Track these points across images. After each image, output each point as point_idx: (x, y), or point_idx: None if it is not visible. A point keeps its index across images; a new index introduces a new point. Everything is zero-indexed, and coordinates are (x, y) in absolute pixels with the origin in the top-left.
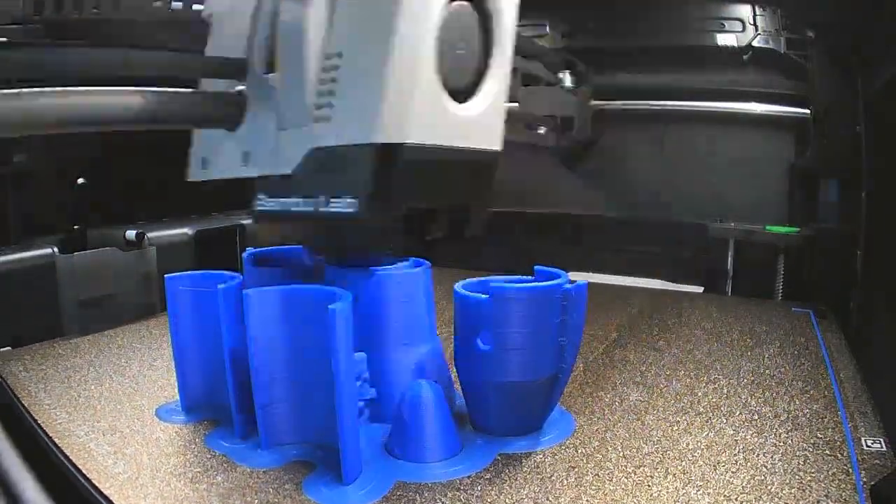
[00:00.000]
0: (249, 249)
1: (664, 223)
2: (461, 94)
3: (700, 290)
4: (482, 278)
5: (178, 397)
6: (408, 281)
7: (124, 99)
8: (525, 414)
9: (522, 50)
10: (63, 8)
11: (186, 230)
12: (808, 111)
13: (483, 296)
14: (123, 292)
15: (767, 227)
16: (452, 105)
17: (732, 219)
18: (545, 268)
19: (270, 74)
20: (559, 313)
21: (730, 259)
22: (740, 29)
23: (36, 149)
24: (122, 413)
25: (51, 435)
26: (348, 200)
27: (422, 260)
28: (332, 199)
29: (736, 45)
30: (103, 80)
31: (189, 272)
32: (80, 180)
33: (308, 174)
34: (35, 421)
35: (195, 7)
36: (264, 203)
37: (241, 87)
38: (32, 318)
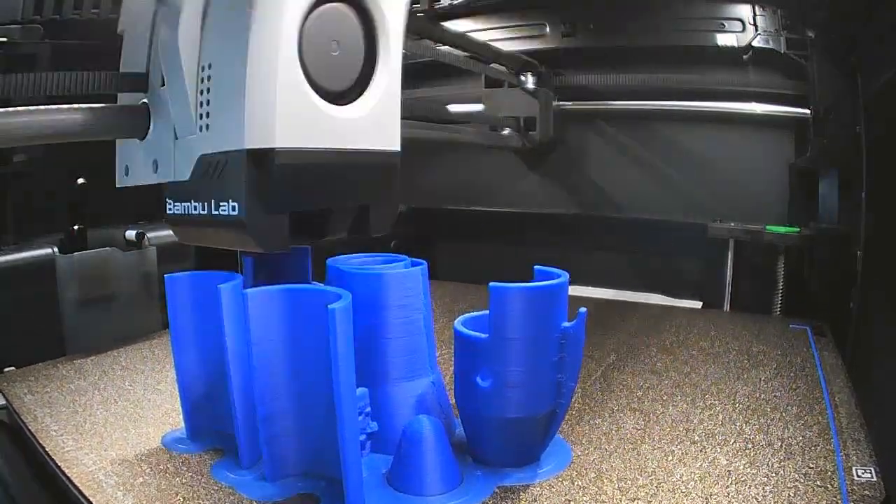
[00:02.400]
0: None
1: (664, 223)
2: (343, 96)
3: (699, 304)
4: (481, 313)
5: (182, 423)
6: (405, 281)
7: (49, 117)
8: (523, 447)
9: (483, 53)
10: (63, 8)
11: None
12: (808, 111)
13: (482, 335)
14: (123, 292)
15: (767, 228)
16: (330, 108)
17: (732, 219)
18: (545, 268)
19: (162, 87)
20: (557, 352)
21: (729, 261)
22: (740, 29)
23: (36, 149)
24: (129, 441)
25: (60, 464)
26: (231, 204)
27: (419, 260)
28: (220, 203)
29: (736, 45)
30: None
31: (189, 272)
32: (80, 180)
33: (199, 180)
34: (43, 449)
35: None
36: (171, 208)
37: (144, 100)
38: (33, 318)
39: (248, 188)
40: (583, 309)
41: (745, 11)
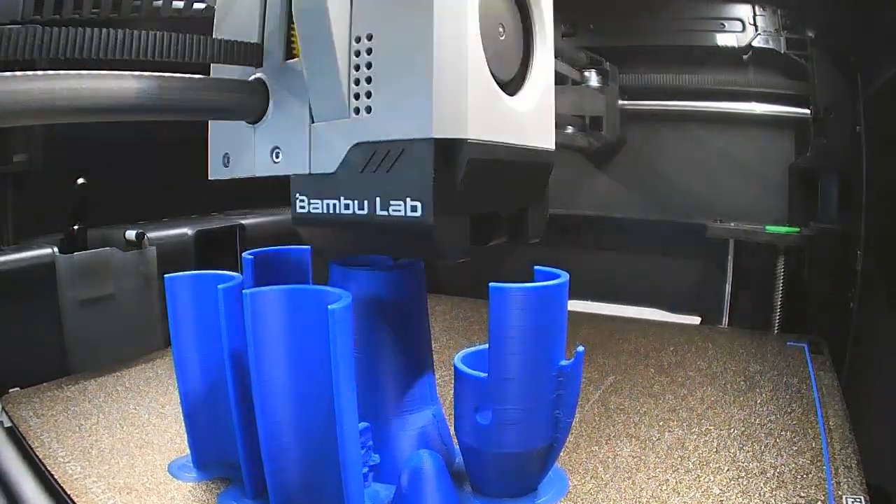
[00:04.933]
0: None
1: (664, 223)
2: (509, 86)
3: (697, 320)
4: (480, 348)
5: (188, 450)
6: (403, 280)
7: (128, 84)
8: (521, 479)
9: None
10: (63, 8)
11: (186, 230)
12: (808, 111)
13: (481, 374)
14: (123, 292)
15: (767, 228)
16: (505, 98)
17: (732, 219)
18: (545, 268)
19: (291, 60)
20: (555, 389)
21: (729, 261)
22: (740, 29)
23: (36, 149)
24: (136, 468)
25: (69, 493)
26: (411, 203)
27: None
28: (391, 202)
29: (736, 45)
30: (100, 66)
31: (189, 272)
32: (80, 180)
33: (354, 173)
34: (52, 476)
35: (196, 6)
36: (305, 205)
37: (258, 76)
38: (33, 318)
39: (435, 185)
40: (581, 348)
41: (745, 11)
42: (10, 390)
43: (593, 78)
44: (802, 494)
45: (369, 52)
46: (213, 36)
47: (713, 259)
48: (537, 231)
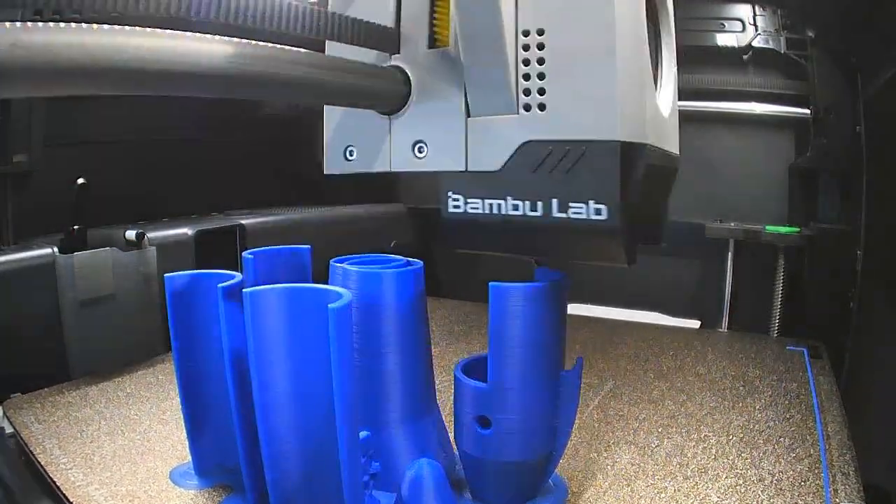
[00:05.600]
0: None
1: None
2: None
3: (697, 323)
4: (481, 355)
5: (189, 457)
6: (403, 281)
7: (248, 51)
8: (521, 486)
9: None
10: (63, 8)
11: (186, 230)
12: (808, 111)
13: (482, 383)
14: (123, 292)
15: (767, 228)
16: (657, 102)
17: (732, 219)
18: (545, 268)
19: (436, 49)
20: (554, 399)
21: (729, 261)
22: (740, 29)
23: (36, 149)
24: (137, 475)
25: (72, 501)
26: (595, 206)
27: (416, 261)
28: (572, 204)
29: (736, 45)
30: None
31: (189, 272)
32: (80, 180)
33: (525, 172)
34: (55, 483)
35: None
36: (461, 205)
37: (394, 63)
38: (33, 319)
39: (621, 188)
40: (579, 358)
41: (745, 11)
42: (11, 395)
43: None
44: (800, 502)
45: (540, 46)
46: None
47: (713, 259)
48: (662, 234)
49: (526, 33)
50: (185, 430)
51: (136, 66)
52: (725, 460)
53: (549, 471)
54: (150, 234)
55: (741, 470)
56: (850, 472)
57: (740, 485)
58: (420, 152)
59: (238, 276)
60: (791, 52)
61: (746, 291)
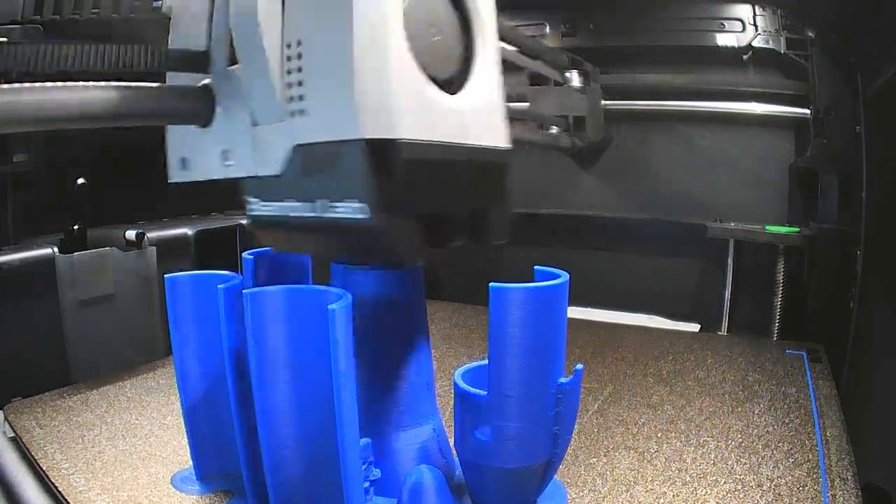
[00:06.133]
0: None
1: (663, 223)
2: (449, 85)
3: (696, 327)
4: (480, 363)
5: (190, 462)
6: (401, 282)
7: (85, 94)
8: (521, 492)
9: (527, 49)
10: (63, 8)
11: (186, 230)
12: (808, 111)
13: (481, 392)
14: (123, 292)
15: (767, 228)
16: (442, 96)
17: (732, 219)
18: (545, 268)
19: (233, 66)
20: (554, 406)
21: (729, 262)
22: (740, 29)
23: (36, 149)
24: (139, 481)
25: None
26: (354, 205)
27: None
28: (335, 203)
29: (736, 45)
30: (58, 78)
31: (189, 272)
32: (80, 180)
33: (298, 175)
34: (56, 488)
35: None
36: (257, 208)
37: (206, 81)
38: (33, 318)
39: (375, 185)
40: (579, 366)
41: (745, 11)
42: (12, 399)
43: (575, 79)
44: None
45: (299, 56)
46: (170, 42)
47: (713, 260)
48: (501, 233)
49: (289, 45)
50: (185, 435)
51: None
52: (724, 466)
53: (548, 476)
54: (150, 234)
55: (740, 475)
56: (849, 478)
57: (739, 490)
58: (227, 160)
59: (238, 276)
60: (791, 52)
61: (746, 293)
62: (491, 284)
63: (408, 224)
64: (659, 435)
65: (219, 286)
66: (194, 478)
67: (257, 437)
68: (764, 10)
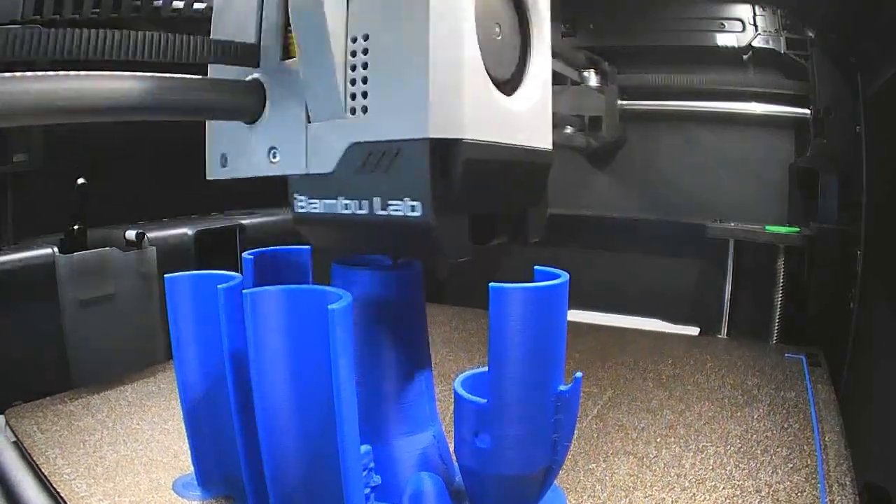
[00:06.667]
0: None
1: (663, 223)
2: (506, 86)
3: (696, 330)
4: (480, 370)
5: (191, 467)
6: (401, 283)
7: (127, 84)
8: (520, 499)
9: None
10: (63, 8)
11: (186, 230)
12: (808, 111)
13: (481, 400)
14: (123, 292)
15: (767, 228)
16: (501, 98)
17: (732, 219)
18: (545, 268)
19: (288, 60)
20: (553, 413)
21: (729, 262)
22: (740, 29)
23: (36, 149)
24: (141, 486)
25: None
26: (410, 203)
27: (413, 260)
28: (390, 202)
29: (736, 45)
30: (94, 67)
31: (190, 273)
32: (80, 180)
33: (352, 173)
34: (58, 494)
35: (196, 6)
36: (304, 205)
37: (255, 76)
38: (33, 319)
39: (433, 185)
40: (579, 373)
41: (745, 11)
42: (13, 404)
43: (592, 78)
44: None
45: (365, 52)
46: (212, 35)
47: (713, 261)
48: (537, 231)
49: (354, 40)
50: (186, 440)
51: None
52: (723, 471)
53: (548, 483)
54: (150, 234)
55: (738, 481)
56: (847, 483)
57: (737, 496)
58: (274, 158)
59: (238, 276)
60: (791, 52)
61: (746, 294)
62: (491, 284)
63: (458, 223)
64: (658, 440)
65: (219, 286)
66: (196, 483)
67: (258, 439)
68: (764, 10)
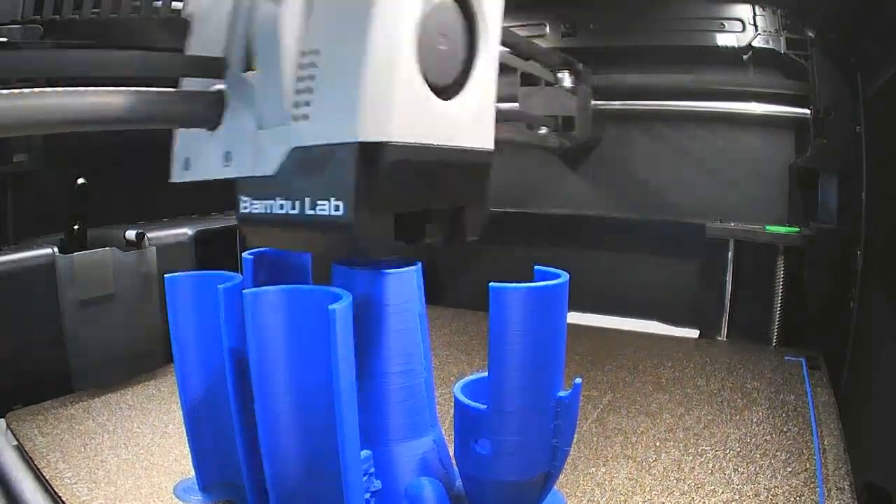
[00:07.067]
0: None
1: (663, 224)
2: (446, 91)
3: (695, 332)
4: (480, 376)
5: (192, 471)
6: (400, 281)
7: (102, 99)
8: (520, 503)
9: (520, 50)
10: (63, 8)
11: (186, 230)
12: (808, 111)
13: (481, 406)
14: (123, 292)
15: (767, 228)
16: (437, 102)
17: (732, 219)
18: (545, 269)
19: (248, 73)
20: (553, 419)
21: (729, 262)
22: (740, 29)
23: (36, 149)
24: (142, 490)
25: None
26: (334, 203)
27: (414, 261)
28: (318, 202)
29: (736, 45)
30: (78, 83)
31: (189, 273)
32: (80, 180)
33: (290, 175)
34: (60, 499)
35: None
36: (247, 206)
37: (219, 87)
38: (33, 319)
39: (356, 186)
40: (578, 380)
41: (745, 11)
42: (14, 407)
43: (566, 79)
44: None
45: (313, 65)
46: (187, 46)
47: (713, 261)
48: (475, 229)
49: (305, 54)
50: (187, 445)
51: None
52: (722, 475)
53: (547, 488)
54: (150, 234)
55: (737, 485)
56: (846, 487)
57: (736, 500)
58: (227, 161)
59: (238, 276)
60: (791, 52)
61: (746, 293)
62: (491, 284)
63: (383, 222)
64: (657, 444)
65: (219, 286)
66: (197, 488)
67: (258, 440)
68: (764, 10)
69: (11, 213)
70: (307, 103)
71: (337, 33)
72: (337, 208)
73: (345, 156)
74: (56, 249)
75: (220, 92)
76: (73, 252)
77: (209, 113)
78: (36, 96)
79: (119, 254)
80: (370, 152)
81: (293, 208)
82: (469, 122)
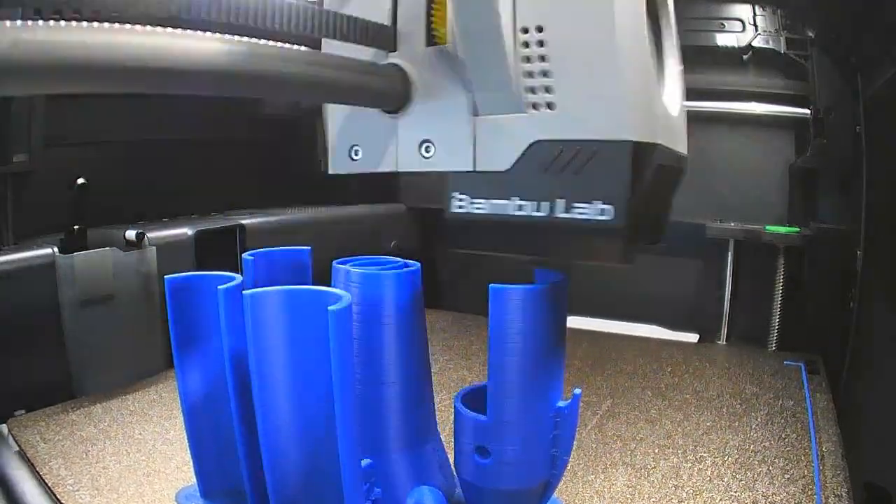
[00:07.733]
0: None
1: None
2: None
3: (695, 337)
4: (481, 384)
5: (194, 478)
6: (400, 282)
7: (248, 49)
8: None
9: None
10: (62, 8)
11: (186, 230)
12: (808, 111)
13: (481, 416)
14: (123, 292)
15: (767, 228)
16: (663, 102)
17: (732, 219)
18: (545, 270)
19: (434, 47)
20: (552, 429)
21: (729, 262)
22: (740, 29)
23: (36, 149)
24: (144, 497)
25: None
26: (601, 206)
27: (413, 262)
28: (576, 204)
29: (736, 45)
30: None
31: (189, 273)
32: (80, 180)
33: (530, 172)
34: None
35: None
36: (465, 205)
37: (393, 61)
38: (33, 319)
39: (630, 188)
40: (577, 390)
41: (745, 11)
42: (16, 413)
43: None
44: None
45: (541, 44)
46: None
47: (713, 262)
48: (659, 235)
49: (525, 30)
50: (188, 451)
51: (136, 65)
52: (720, 482)
53: (547, 496)
54: (150, 234)
55: (736, 492)
56: (843, 494)
57: None
58: (427, 152)
59: (238, 277)
60: (791, 52)
61: (746, 294)
62: (491, 285)
63: (636, 227)
64: (656, 451)
65: (219, 287)
66: (198, 495)
67: (259, 443)
68: (764, 10)
69: (11, 213)
70: (546, 89)
71: (565, 8)
72: (603, 212)
73: (615, 155)
74: (56, 249)
75: (401, 67)
76: (73, 252)
77: (397, 91)
78: (127, 33)
79: (119, 254)
80: (641, 153)
81: (537, 210)
82: (681, 123)
